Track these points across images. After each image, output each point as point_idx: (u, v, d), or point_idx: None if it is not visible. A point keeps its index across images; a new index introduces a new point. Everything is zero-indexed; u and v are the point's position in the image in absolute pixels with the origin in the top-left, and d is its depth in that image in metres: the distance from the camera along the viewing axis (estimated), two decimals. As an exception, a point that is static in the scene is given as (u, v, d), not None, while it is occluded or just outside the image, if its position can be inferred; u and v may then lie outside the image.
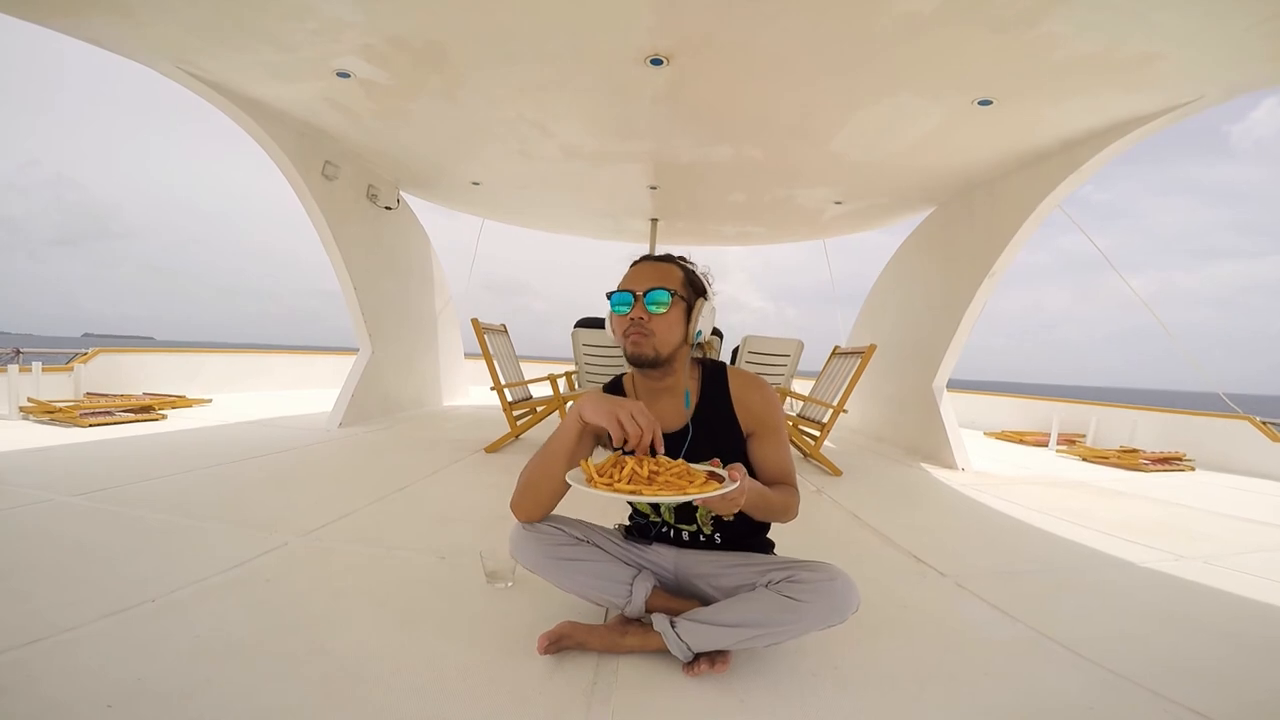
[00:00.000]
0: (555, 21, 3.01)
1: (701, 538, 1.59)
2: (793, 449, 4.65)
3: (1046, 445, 6.18)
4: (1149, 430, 6.06)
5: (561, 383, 4.60)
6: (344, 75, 3.67)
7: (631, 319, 1.47)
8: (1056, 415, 6.41)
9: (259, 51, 3.45)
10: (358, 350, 5.27)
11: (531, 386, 4.84)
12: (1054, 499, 3.66)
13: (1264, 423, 5.27)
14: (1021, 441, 6.43)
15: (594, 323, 6.54)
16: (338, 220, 4.93)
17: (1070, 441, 6.23)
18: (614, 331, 1.54)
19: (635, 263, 1.57)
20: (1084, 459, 5.43)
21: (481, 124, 4.39)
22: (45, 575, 1.74)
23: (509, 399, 4.25)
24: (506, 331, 4.81)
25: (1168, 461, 5.19)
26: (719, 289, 1.71)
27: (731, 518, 1.54)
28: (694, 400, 1.53)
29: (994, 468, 4.69)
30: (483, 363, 4.33)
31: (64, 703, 1.16)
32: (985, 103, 3.53)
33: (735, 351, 5.85)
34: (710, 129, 4.32)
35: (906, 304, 5.93)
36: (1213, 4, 2.52)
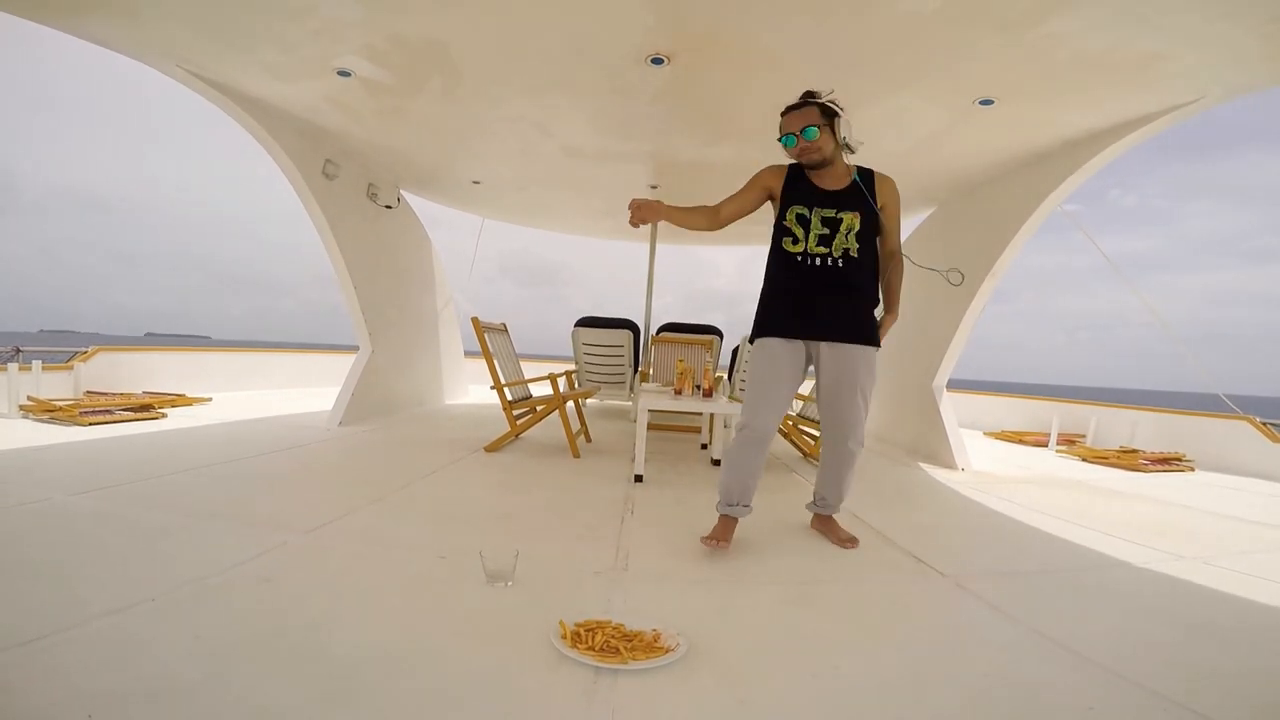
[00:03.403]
0: (556, 21, 3.01)
1: (829, 261, 2.33)
2: (792, 448, 4.66)
3: (1046, 445, 6.17)
4: (1149, 430, 6.06)
5: (561, 382, 4.59)
6: (345, 74, 3.66)
7: (801, 149, 2.31)
8: (1056, 415, 6.41)
9: (260, 51, 3.45)
10: (358, 349, 5.27)
11: (531, 386, 4.84)
12: (1054, 499, 3.66)
13: (1264, 423, 5.27)
14: (1021, 441, 6.43)
15: (594, 322, 6.54)
16: (338, 219, 4.92)
17: (1070, 441, 6.23)
18: (792, 156, 2.38)
19: (784, 112, 2.35)
20: (1084, 459, 5.43)
21: (481, 123, 4.39)
22: (45, 575, 1.74)
23: (509, 398, 4.25)
24: (507, 330, 4.81)
25: (1168, 462, 5.19)
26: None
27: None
28: (836, 182, 2.38)
29: (994, 468, 4.69)
30: (483, 361, 4.33)
31: (64, 702, 1.16)
32: (987, 103, 3.53)
33: (735, 352, 5.86)
34: (710, 129, 4.31)
35: (906, 304, 5.91)
36: (1214, 5, 2.52)
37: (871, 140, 4.23)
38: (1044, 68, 3.10)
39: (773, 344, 2.37)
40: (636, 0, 2.80)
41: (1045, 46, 2.91)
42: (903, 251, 2.47)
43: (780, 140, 2.36)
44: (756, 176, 2.47)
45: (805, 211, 2.34)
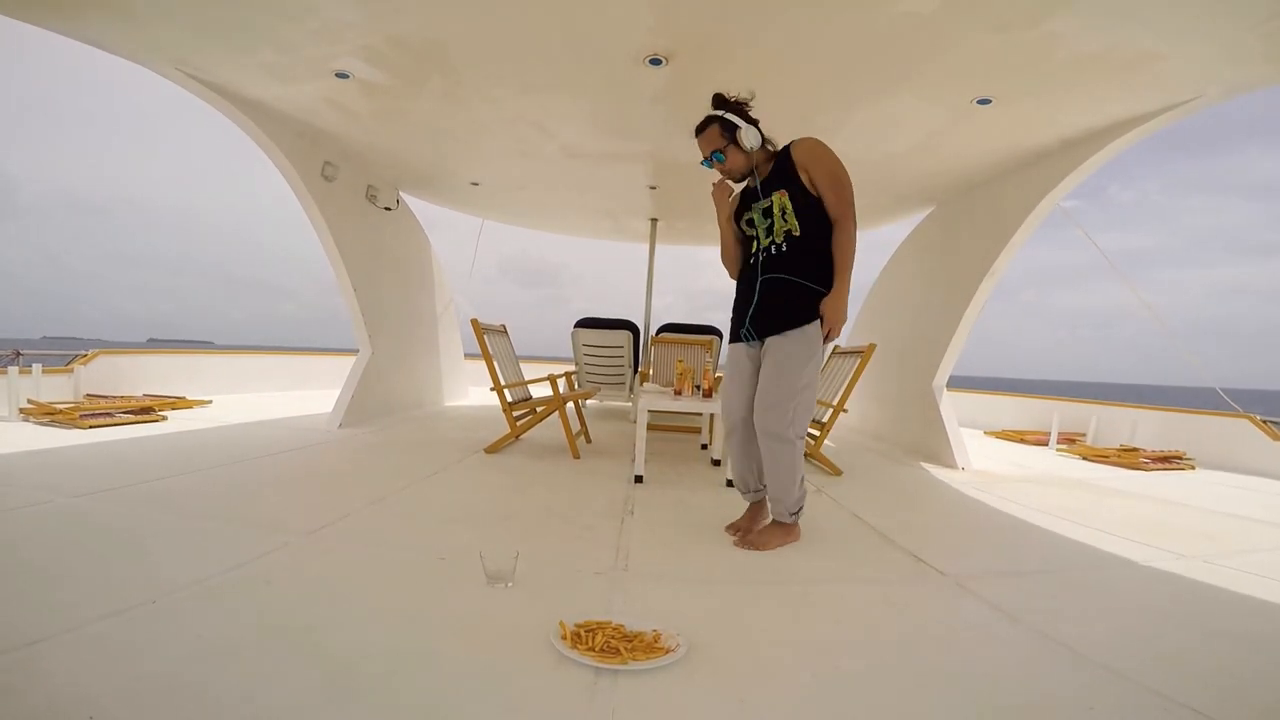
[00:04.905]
0: (555, 21, 3.01)
1: (774, 250, 2.36)
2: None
3: (1047, 444, 6.17)
4: (1149, 429, 6.05)
5: (561, 383, 4.59)
6: (343, 76, 3.66)
7: (717, 171, 2.45)
8: (1056, 414, 6.41)
9: (258, 52, 3.45)
10: (358, 351, 5.27)
11: (531, 387, 4.84)
12: (1054, 498, 3.66)
13: (1264, 421, 5.26)
14: (1022, 440, 6.43)
15: (594, 323, 6.54)
16: (337, 221, 4.92)
17: (1070, 440, 6.23)
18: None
19: (695, 134, 2.44)
20: (1084, 458, 5.43)
21: (481, 124, 4.39)
22: (46, 575, 1.74)
23: (509, 399, 4.25)
24: (506, 332, 4.81)
25: (1168, 460, 5.19)
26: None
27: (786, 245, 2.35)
28: (761, 176, 2.40)
29: (994, 467, 4.68)
30: (483, 363, 4.33)
31: (65, 703, 1.16)
32: (985, 102, 3.53)
33: (735, 351, 5.86)
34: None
35: (906, 304, 5.93)
36: (1213, 4, 2.52)
37: (871, 140, 4.28)
38: (1042, 67, 3.10)
39: (734, 349, 2.56)
40: (636, 0, 2.80)
41: (1043, 46, 2.91)
42: (848, 219, 2.30)
43: (703, 164, 2.48)
44: (719, 203, 2.55)
45: (750, 215, 2.44)
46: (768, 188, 2.37)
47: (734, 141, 2.35)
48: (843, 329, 2.39)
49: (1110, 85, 3.25)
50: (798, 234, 2.31)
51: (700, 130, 2.42)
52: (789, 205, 2.31)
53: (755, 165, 2.40)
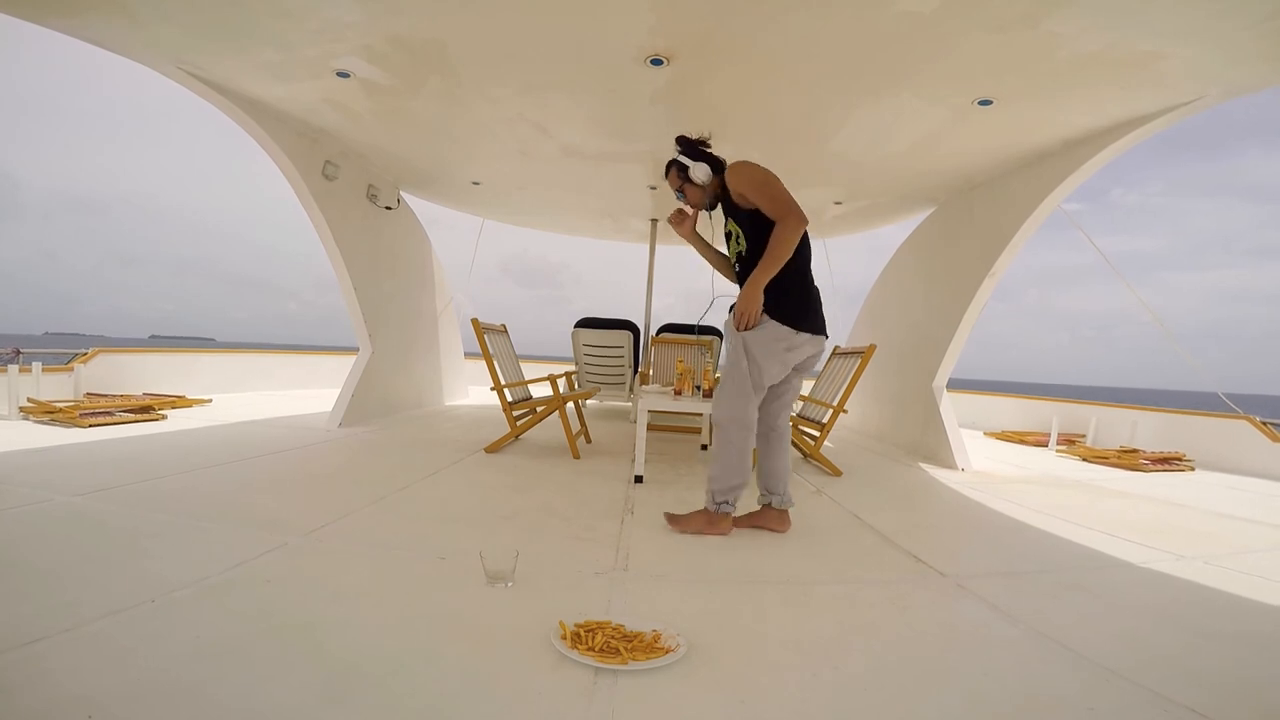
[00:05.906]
0: (555, 21, 3.01)
1: (737, 268, 2.60)
2: (793, 450, 4.65)
3: (1046, 445, 6.17)
4: (1149, 430, 6.06)
5: (561, 383, 4.59)
6: (344, 75, 3.66)
7: (684, 206, 2.74)
8: (1056, 415, 6.41)
9: (259, 51, 3.45)
10: (358, 350, 5.27)
11: (531, 386, 4.84)
12: (1054, 499, 3.66)
13: (1264, 423, 5.27)
14: (1021, 441, 6.43)
15: (594, 323, 6.55)
16: (338, 220, 4.92)
17: (1070, 441, 6.23)
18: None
19: (664, 177, 2.73)
20: (1084, 459, 5.43)
21: (481, 124, 4.39)
22: (45, 575, 1.74)
23: (509, 399, 4.25)
24: (506, 331, 4.81)
25: (1168, 461, 5.19)
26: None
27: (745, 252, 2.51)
28: (713, 201, 2.64)
29: (994, 468, 4.69)
30: (483, 363, 4.33)
31: (64, 703, 1.16)
32: (985, 103, 3.53)
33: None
34: (710, 129, 4.31)
35: (906, 304, 5.93)
36: (1214, 4, 2.52)
37: (871, 140, 4.28)
38: (1042, 67, 3.10)
39: None
40: (636, 0, 2.80)
41: (1043, 46, 2.91)
42: (792, 220, 2.31)
43: (678, 196, 2.73)
44: (680, 235, 2.87)
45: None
46: (725, 211, 2.62)
47: (688, 180, 2.61)
48: (751, 320, 2.41)
49: (1111, 85, 3.25)
50: (746, 254, 2.50)
51: (665, 174, 2.72)
52: (735, 229, 2.55)
53: (717, 192, 2.61)
